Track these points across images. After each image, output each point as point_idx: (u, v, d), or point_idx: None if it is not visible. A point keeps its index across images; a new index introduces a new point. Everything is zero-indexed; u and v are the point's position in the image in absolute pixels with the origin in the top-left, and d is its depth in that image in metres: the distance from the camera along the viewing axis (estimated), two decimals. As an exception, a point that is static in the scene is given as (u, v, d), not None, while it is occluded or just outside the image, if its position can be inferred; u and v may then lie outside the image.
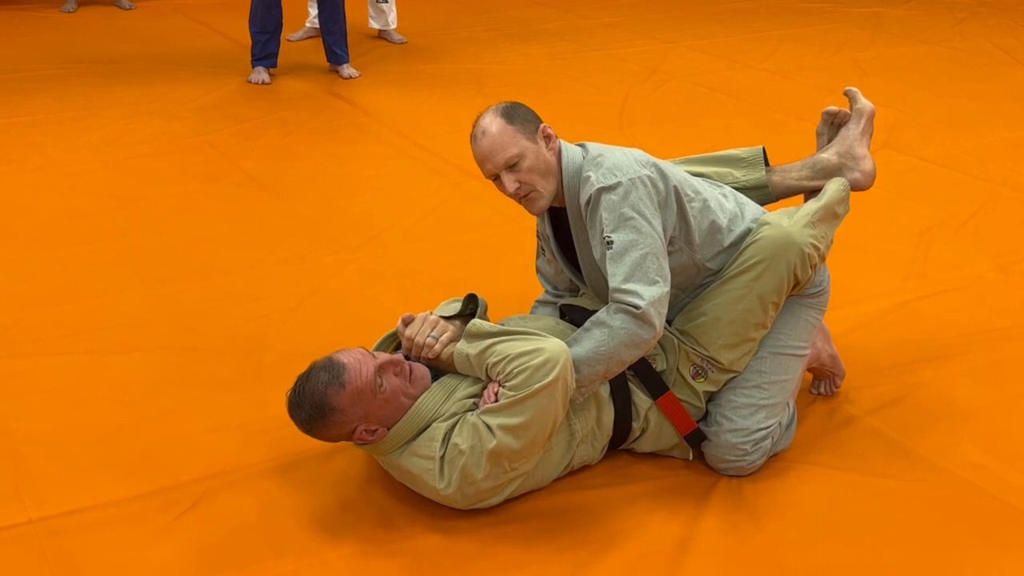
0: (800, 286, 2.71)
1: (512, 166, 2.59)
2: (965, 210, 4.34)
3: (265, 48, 6.02)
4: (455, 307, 2.73)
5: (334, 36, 6.15)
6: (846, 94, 3.05)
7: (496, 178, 2.62)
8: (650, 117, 5.51)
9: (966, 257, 3.94)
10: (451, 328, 2.60)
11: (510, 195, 2.62)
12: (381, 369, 2.45)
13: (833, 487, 2.66)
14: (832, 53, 6.79)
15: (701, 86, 6.05)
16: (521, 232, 3.87)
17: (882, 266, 3.86)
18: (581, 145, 2.69)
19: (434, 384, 2.53)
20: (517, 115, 2.61)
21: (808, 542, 2.47)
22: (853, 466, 2.74)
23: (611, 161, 2.57)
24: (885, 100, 5.75)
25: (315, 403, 2.42)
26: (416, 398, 2.49)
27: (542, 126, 2.63)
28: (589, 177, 2.56)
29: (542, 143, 2.62)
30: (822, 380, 3.05)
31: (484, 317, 2.70)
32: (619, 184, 2.52)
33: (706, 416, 2.72)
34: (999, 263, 3.88)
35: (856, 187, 2.94)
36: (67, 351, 3.21)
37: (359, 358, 2.46)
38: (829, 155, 2.97)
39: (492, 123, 2.60)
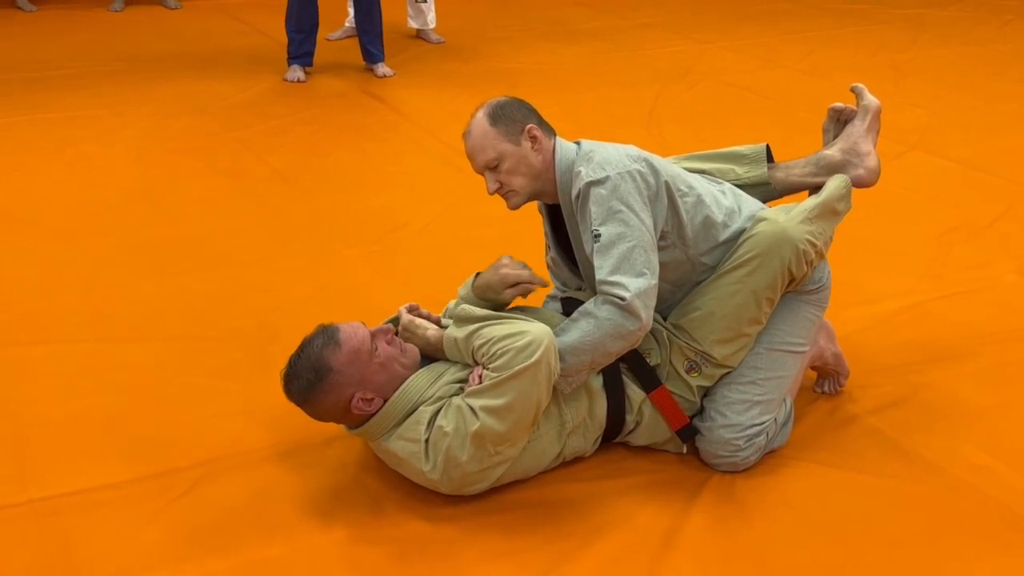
0: (796, 282, 2.69)
1: (493, 168, 2.62)
2: (991, 212, 4.28)
3: (301, 47, 6.10)
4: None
5: (369, 35, 6.22)
6: (852, 90, 3.02)
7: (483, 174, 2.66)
8: (679, 116, 5.49)
9: (987, 259, 3.88)
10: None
11: (491, 193, 2.65)
12: (374, 336, 2.51)
13: (827, 485, 2.64)
14: (870, 54, 6.72)
15: (733, 86, 6.02)
16: (537, 229, 3.87)
17: (899, 267, 3.82)
18: (577, 143, 2.70)
19: (422, 369, 2.56)
20: (503, 115, 2.62)
21: (795, 540, 2.45)
22: (850, 465, 2.71)
23: (601, 156, 2.58)
24: (919, 101, 5.70)
25: (312, 366, 2.45)
26: (410, 368, 2.53)
27: (528, 127, 2.62)
28: (580, 172, 2.58)
29: (527, 144, 2.62)
30: (826, 379, 3.03)
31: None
32: (608, 178, 2.53)
33: (701, 411, 2.71)
34: (1020, 265, 3.82)
35: (859, 184, 2.91)
36: (80, 339, 3.28)
37: (352, 324, 2.52)
38: (833, 152, 2.95)
39: (476, 124, 2.63)
